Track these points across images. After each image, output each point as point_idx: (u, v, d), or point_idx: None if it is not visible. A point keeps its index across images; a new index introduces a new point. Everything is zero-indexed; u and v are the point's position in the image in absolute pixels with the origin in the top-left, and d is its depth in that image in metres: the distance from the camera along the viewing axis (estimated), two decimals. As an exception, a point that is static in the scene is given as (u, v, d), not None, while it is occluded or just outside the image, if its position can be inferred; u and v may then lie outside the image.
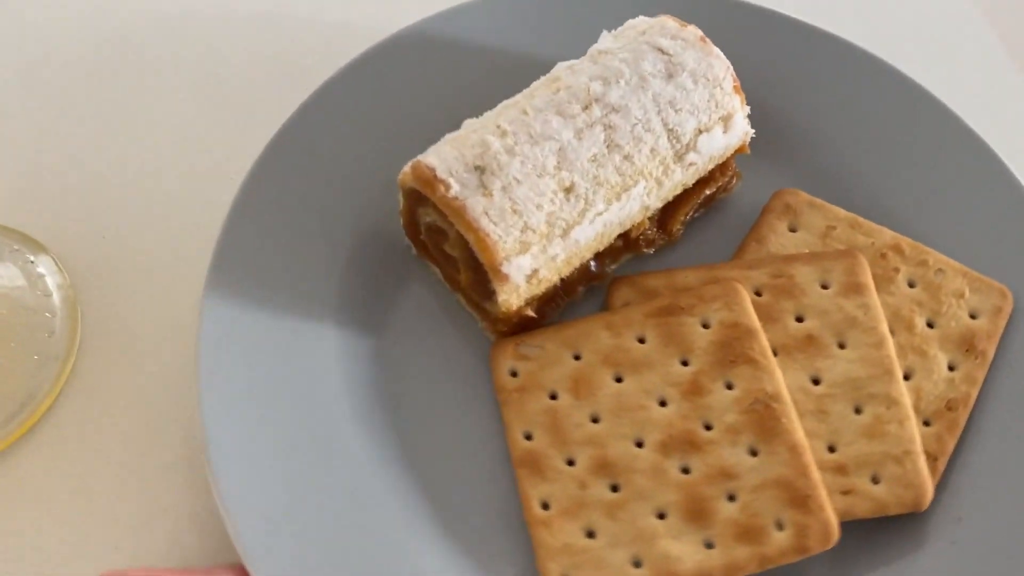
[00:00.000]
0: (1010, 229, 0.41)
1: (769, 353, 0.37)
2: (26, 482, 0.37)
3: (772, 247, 0.41)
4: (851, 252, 0.40)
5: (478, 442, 0.38)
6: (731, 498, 0.35)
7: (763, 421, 0.36)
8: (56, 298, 0.40)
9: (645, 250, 0.41)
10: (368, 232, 0.41)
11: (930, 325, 0.39)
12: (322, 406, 0.37)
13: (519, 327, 0.38)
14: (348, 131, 0.42)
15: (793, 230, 0.41)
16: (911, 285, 0.40)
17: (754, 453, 0.35)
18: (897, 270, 0.40)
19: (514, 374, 0.38)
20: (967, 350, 0.39)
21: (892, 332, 0.39)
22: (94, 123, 0.46)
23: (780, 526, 0.34)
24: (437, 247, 0.39)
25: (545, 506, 0.35)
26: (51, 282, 0.41)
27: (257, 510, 0.34)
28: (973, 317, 0.39)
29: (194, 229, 0.43)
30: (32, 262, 0.41)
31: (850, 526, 0.36)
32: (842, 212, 0.42)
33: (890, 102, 0.44)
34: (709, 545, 0.34)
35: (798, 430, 0.36)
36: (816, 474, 0.35)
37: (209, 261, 0.38)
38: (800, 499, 0.34)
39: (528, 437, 0.37)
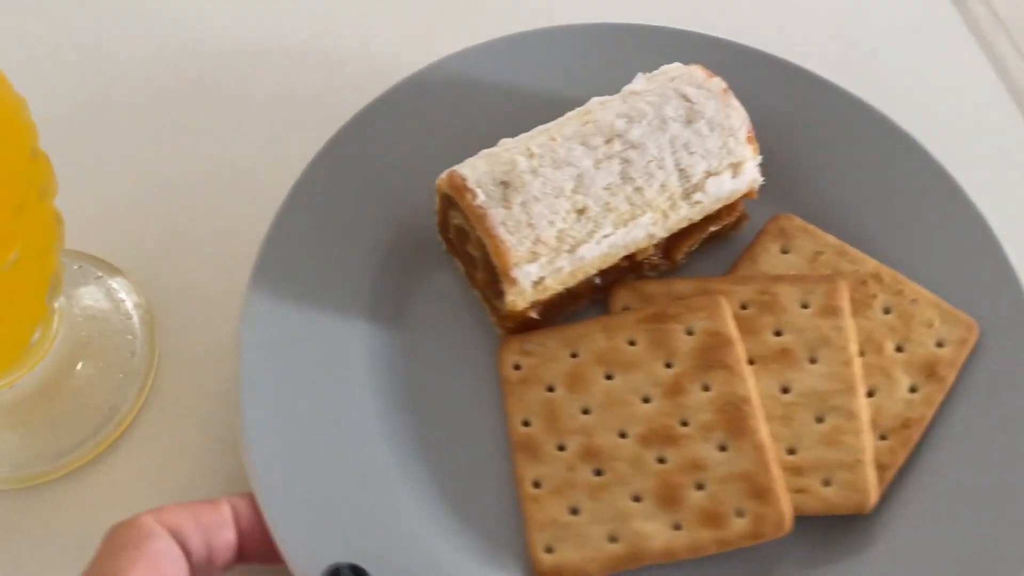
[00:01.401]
0: (981, 265, 0.45)
1: (743, 361, 0.42)
2: (110, 490, 0.41)
3: (764, 266, 0.45)
4: (832, 277, 0.44)
5: (483, 427, 0.43)
6: (699, 487, 0.40)
7: (733, 421, 0.41)
8: (136, 320, 0.44)
9: (648, 273, 0.45)
10: (408, 227, 0.46)
11: (899, 349, 0.43)
12: (348, 388, 0.42)
13: (524, 326, 0.43)
14: (400, 139, 0.47)
15: (785, 252, 0.46)
16: (886, 311, 0.44)
17: (723, 448, 0.40)
18: (875, 296, 0.44)
19: (517, 367, 0.43)
20: (929, 375, 0.43)
21: (863, 353, 0.43)
22: (163, 154, 0.50)
23: (740, 514, 0.39)
24: (462, 247, 0.44)
25: (537, 485, 0.41)
26: (130, 305, 0.44)
27: (281, 479, 0.38)
28: (940, 345, 0.43)
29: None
30: (114, 287, 0.45)
31: (812, 524, 0.40)
32: (832, 239, 0.46)
33: (877, 146, 0.48)
34: (677, 527, 0.39)
35: (763, 431, 0.40)
36: (776, 471, 0.40)
37: (255, 258, 0.42)
38: (760, 491, 0.39)
39: (526, 424, 0.42)
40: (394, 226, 0.46)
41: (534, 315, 0.43)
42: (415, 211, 0.46)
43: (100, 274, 0.45)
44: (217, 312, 0.45)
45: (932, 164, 0.47)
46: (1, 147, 0.32)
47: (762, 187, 0.47)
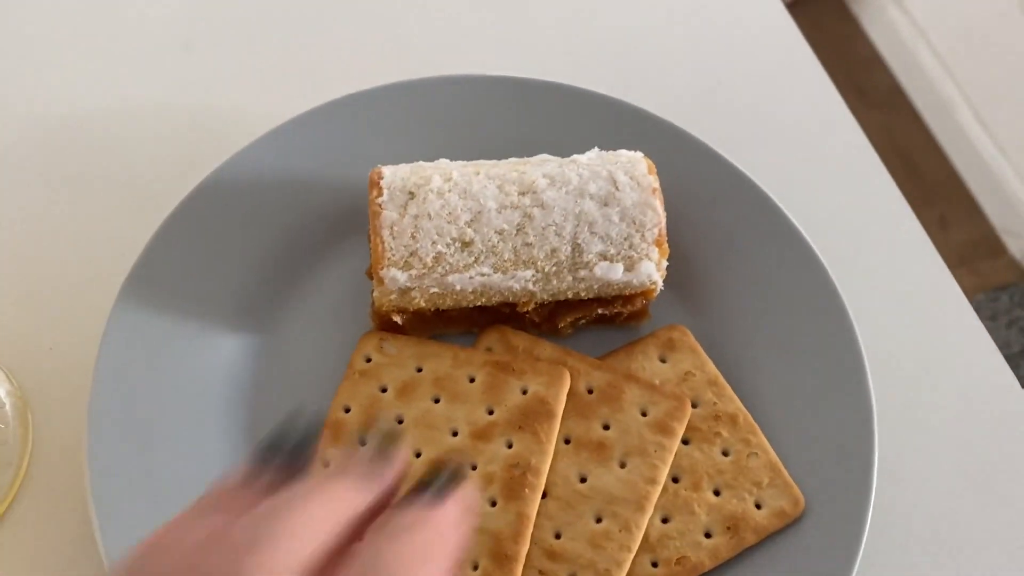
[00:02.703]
0: (846, 447, 0.43)
1: (553, 436, 0.43)
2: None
3: (634, 364, 0.46)
4: (681, 399, 0.44)
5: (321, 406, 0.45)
6: (454, 528, 0.41)
7: (513, 483, 0.42)
8: (8, 408, 0.44)
9: (529, 329, 0.47)
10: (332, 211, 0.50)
11: (716, 493, 0.43)
12: (208, 361, 0.45)
13: (389, 326, 0.46)
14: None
15: (663, 361, 0.46)
16: (724, 454, 0.44)
17: (493, 503, 0.42)
18: (718, 435, 0.44)
19: (368, 360, 0.46)
20: (729, 528, 0.42)
21: (677, 480, 0.43)
22: (27, 236, 0.50)
23: (475, 567, 0.41)
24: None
25: (326, 465, 0.43)
26: (1, 393, 0.44)
27: (115, 463, 0.42)
28: (757, 507, 0.42)
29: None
30: None
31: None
32: (711, 367, 0.45)
33: (806, 300, 0.47)
34: (416, 552, 0.41)
35: (534, 505, 0.41)
36: (525, 545, 0.41)
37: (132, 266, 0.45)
38: (501, 555, 0.40)
39: (347, 410, 0.45)
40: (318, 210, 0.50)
41: (398, 320, 0.46)
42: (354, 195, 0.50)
43: None
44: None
45: (850, 341, 0.46)
46: None
47: (683, 295, 0.48)
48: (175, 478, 0.42)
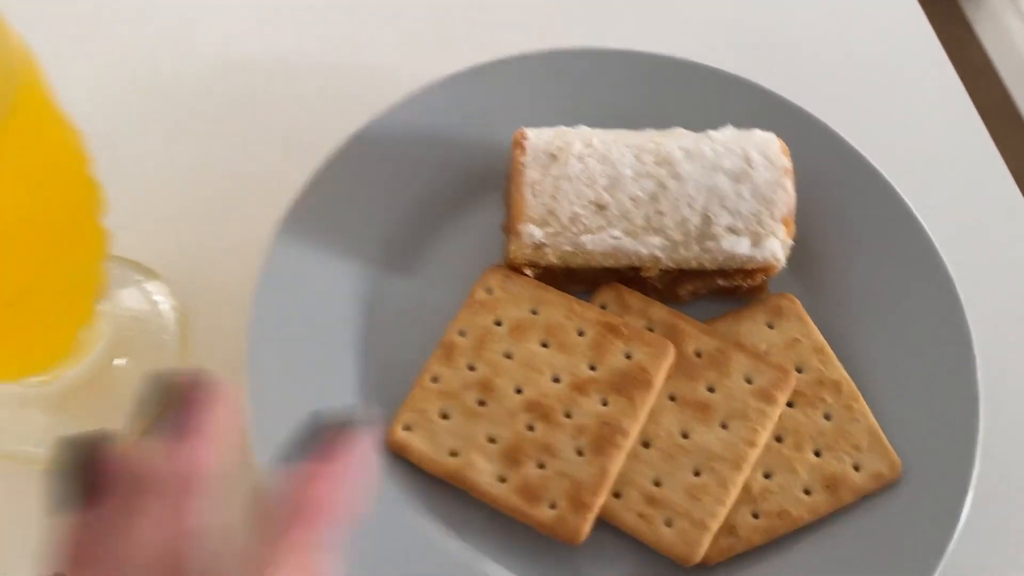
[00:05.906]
0: (949, 419, 0.44)
1: (648, 405, 0.44)
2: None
3: (742, 330, 0.47)
4: (787, 371, 0.45)
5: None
6: (541, 466, 0.43)
7: (601, 439, 0.43)
8: (172, 321, 0.47)
9: (650, 294, 0.48)
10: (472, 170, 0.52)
11: (817, 454, 0.44)
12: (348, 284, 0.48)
13: (519, 275, 0.48)
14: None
15: (770, 327, 0.47)
16: (827, 418, 0.44)
17: (579, 453, 0.43)
18: (822, 400, 0.44)
19: (489, 291, 0.47)
20: (827, 487, 0.43)
21: (780, 439, 0.44)
22: (195, 166, 0.53)
23: (553, 505, 0.42)
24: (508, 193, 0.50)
25: (434, 380, 0.45)
26: (166, 307, 0.47)
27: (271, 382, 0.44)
28: (856, 468, 0.43)
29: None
30: (150, 290, 0.48)
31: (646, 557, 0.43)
32: (818, 335, 0.46)
33: (918, 283, 0.48)
34: (502, 479, 0.43)
35: (617, 463, 0.43)
36: (601, 498, 0.42)
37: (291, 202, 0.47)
38: (579, 501, 0.42)
39: (462, 334, 0.46)
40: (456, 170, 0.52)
41: (528, 274, 0.47)
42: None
43: (139, 278, 0.49)
44: (244, 314, 0.46)
45: (961, 331, 0.46)
46: (68, 180, 0.36)
47: (799, 275, 0.49)
48: (317, 397, 0.45)
